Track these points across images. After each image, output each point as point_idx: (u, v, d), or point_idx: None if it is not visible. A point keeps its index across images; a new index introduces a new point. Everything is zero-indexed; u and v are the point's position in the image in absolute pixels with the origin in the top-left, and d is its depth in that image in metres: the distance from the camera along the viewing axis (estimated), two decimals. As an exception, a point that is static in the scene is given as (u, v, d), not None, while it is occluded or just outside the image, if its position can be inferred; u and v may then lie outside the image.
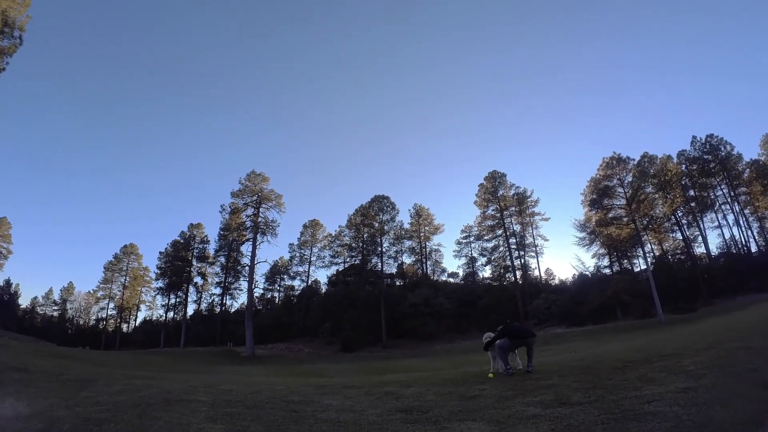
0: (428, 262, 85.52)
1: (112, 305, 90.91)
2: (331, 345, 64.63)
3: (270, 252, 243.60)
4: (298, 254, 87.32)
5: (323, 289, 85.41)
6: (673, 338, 15.34)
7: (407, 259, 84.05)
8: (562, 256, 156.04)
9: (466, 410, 6.27)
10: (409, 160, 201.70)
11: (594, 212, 58.42)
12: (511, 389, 7.70)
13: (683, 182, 68.90)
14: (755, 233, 70.33)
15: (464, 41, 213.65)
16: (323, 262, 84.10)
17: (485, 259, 78.85)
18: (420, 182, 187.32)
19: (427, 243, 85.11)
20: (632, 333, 34.40)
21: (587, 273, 69.67)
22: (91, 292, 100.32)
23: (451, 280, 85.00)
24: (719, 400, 4.92)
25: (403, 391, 8.58)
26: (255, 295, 75.42)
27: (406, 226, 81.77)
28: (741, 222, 69.58)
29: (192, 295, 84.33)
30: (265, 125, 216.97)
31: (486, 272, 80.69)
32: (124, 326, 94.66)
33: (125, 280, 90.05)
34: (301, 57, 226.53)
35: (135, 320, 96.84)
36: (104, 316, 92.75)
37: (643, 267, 59.24)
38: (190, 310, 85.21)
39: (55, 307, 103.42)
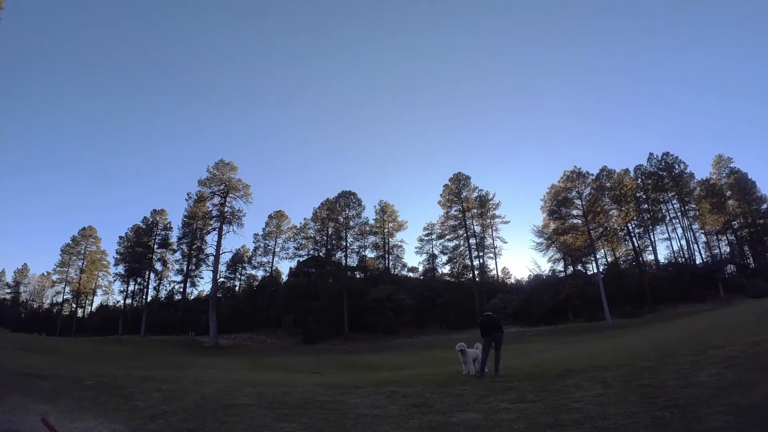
0: (390, 257, 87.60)
1: (68, 289, 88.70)
2: (294, 336, 65.71)
3: (233, 241, 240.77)
4: (262, 244, 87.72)
5: (285, 278, 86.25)
6: (608, 350, 17.67)
7: (370, 254, 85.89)
8: (521, 255, 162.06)
9: (459, 405, 8.01)
10: (376, 155, 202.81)
11: (552, 220, 62.04)
12: (484, 390, 9.48)
13: (638, 195, 73.73)
14: (701, 247, 76.93)
15: (435, 39, 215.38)
16: (287, 253, 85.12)
17: (446, 257, 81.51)
18: (386, 177, 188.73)
19: (390, 239, 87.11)
20: (580, 336, 37.21)
21: (542, 275, 73.51)
22: (45, 274, 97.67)
23: (411, 275, 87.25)
24: (615, 403, 6.85)
25: (405, 390, 10.08)
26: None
27: (371, 221, 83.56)
28: (688, 236, 75.60)
29: (152, 282, 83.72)
30: (231, 113, 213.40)
31: (446, 269, 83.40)
32: (80, 311, 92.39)
33: (83, 263, 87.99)
34: (269, 46, 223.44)
35: (91, 305, 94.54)
36: (59, 300, 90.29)
37: (596, 272, 63.15)
38: (150, 297, 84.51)
39: (8, 290, 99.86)
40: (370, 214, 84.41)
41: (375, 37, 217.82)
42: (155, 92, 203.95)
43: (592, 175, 62.59)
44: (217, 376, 15.92)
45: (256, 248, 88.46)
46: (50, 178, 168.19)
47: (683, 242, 76.43)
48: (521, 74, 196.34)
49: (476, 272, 76.62)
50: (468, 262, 77.17)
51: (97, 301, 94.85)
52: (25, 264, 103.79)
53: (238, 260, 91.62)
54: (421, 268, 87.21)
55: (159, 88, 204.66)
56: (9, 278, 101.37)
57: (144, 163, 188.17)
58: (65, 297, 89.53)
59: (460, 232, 78.65)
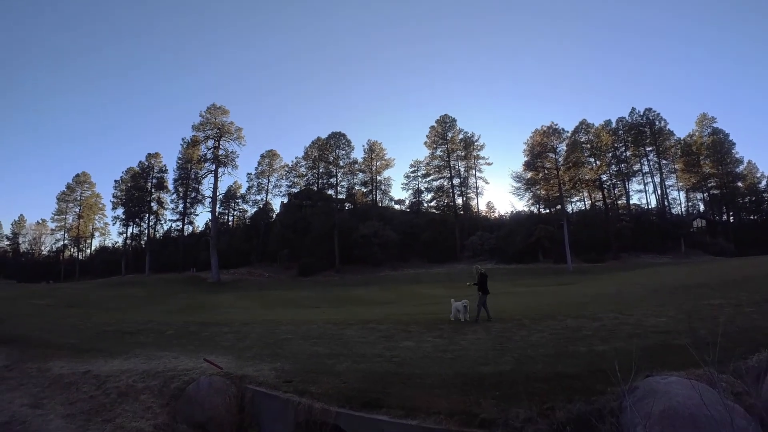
0: (378, 192, 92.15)
1: (66, 236, 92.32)
2: (289, 270, 70.95)
3: (228, 180, 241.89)
4: (255, 183, 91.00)
5: (276, 211, 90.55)
6: (560, 298, 22.10)
7: (359, 188, 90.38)
8: (507, 187, 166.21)
9: (406, 336, 12.67)
10: (366, 92, 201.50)
11: (528, 171, 66.81)
12: (425, 329, 13.67)
13: (616, 146, 77.48)
14: (672, 202, 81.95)
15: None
16: (280, 191, 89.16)
17: (431, 195, 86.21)
18: (376, 114, 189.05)
19: (377, 176, 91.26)
20: (541, 279, 42.91)
21: (522, 213, 78.96)
22: (41, 222, 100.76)
23: (398, 207, 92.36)
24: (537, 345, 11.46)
25: (379, 327, 14.39)
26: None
27: (360, 159, 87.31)
28: (661, 191, 79.94)
29: (150, 222, 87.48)
30: (221, 52, 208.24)
31: (431, 204, 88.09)
32: (80, 254, 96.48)
33: (79, 209, 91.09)
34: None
35: (90, 248, 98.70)
36: (59, 246, 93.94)
37: (570, 216, 68.50)
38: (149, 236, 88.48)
39: (7, 242, 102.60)
40: (359, 153, 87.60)
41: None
42: (145, 34, 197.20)
43: (567, 132, 67.14)
44: (250, 316, 20.84)
45: (249, 187, 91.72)
46: (40, 126, 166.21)
47: (654, 197, 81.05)
48: (513, 15, 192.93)
49: (459, 210, 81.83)
50: (451, 201, 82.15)
51: (96, 243, 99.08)
52: (21, 215, 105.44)
53: (231, 196, 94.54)
54: (407, 202, 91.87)
55: (149, 29, 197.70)
56: (7, 230, 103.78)
57: (135, 105, 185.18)
58: (64, 243, 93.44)
59: (445, 172, 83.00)
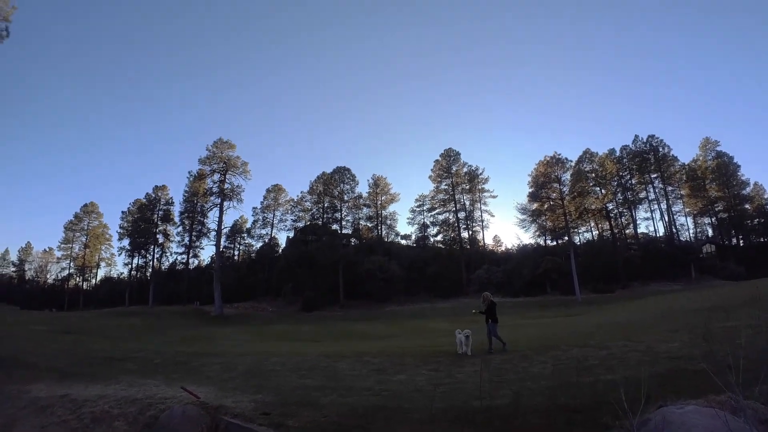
0: (383, 227, 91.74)
1: (72, 264, 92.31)
2: (293, 304, 69.94)
3: (233, 214, 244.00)
4: (261, 217, 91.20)
5: (282, 246, 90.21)
6: (567, 329, 21.37)
7: (364, 223, 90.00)
8: (512, 219, 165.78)
9: (400, 370, 11.85)
10: (370, 127, 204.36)
11: (533, 202, 66.44)
12: (421, 361, 12.95)
13: (621, 174, 77.42)
14: (680, 228, 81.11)
15: (425, 11, 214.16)
16: (285, 225, 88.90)
17: (436, 229, 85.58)
18: (380, 149, 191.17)
19: (382, 211, 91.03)
20: (550, 311, 41.80)
21: (529, 246, 78.26)
22: (48, 250, 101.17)
23: (404, 242, 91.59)
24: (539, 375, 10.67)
25: (373, 360, 13.63)
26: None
27: (365, 194, 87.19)
28: (668, 218, 79.34)
29: (155, 254, 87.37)
30: (229, 84, 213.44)
31: (438, 237, 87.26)
32: (85, 284, 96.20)
33: (86, 239, 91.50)
34: (263, 20, 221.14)
35: (95, 278, 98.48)
36: (65, 275, 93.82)
37: (577, 246, 67.65)
38: (154, 268, 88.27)
39: (13, 269, 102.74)
40: (363, 188, 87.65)
41: (367, 9, 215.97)
42: (156, 67, 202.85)
43: (571, 161, 66.89)
44: (244, 348, 20.12)
45: (255, 221, 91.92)
46: (50, 154, 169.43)
47: (662, 223, 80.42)
48: (516, 47, 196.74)
49: (464, 244, 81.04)
50: (457, 234, 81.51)
51: (101, 273, 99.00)
52: (28, 242, 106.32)
53: (237, 230, 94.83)
54: (413, 237, 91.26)
55: (161, 63, 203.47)
56: (13, 257, 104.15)
57: (144, 137, 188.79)
58: (70, 272, 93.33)
59: (450, 206, 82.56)
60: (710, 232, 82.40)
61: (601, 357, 10.70)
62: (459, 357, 12.95)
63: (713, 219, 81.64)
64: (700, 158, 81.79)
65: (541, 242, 77.92)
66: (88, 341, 23.85)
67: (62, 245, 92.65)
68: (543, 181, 63.52)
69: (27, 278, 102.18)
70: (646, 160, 78.65)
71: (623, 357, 10.32)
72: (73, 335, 29.35)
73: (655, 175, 79.12)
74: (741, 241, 78.81)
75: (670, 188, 79.14)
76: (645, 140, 79.75)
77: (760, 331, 11.22)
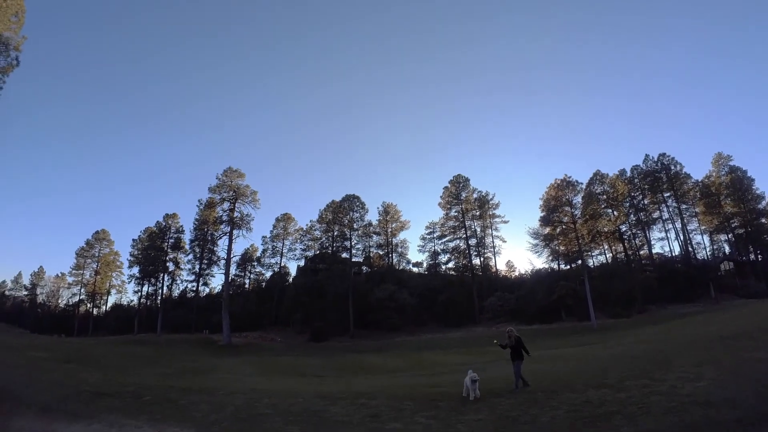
0: (394, 255, 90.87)
1: (83, 291, 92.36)
2: (302, 334, 68.86)
3: (243, 243, 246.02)
4: (270, 246, 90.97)
5: (292, 275, 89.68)
6: (581, 362, 19.99)
7: (374, 251, 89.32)
8: (524, 244, 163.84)
9: (398, 417, 10.82)
10: (380, 155, 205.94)
11: (544, 227, 65.24)
12: (418, 406, 11.86)
13: (633, 194, 76.18)
14: (696, 247, 79.26)
15: (435, 38, 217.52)
16: (295, 254, 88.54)
17: (447, 256, 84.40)
18: (390, 176, 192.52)
19: (393, 239, 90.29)
20: (565, 339, 40.25)
21: (542, 270, 76.62)
22: (60, 275, 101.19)
23: (415, 269, 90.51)
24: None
25: (370, 402, 12.64)
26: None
27: (375, 222, 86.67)
28: (684, 237, 77.58)
29: (165, 281, 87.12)
30: (236, 116, 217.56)
31: (450, 264, 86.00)
32: (95, 310, 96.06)
33: (97, 266, 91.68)
34: (279, 47, 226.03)
35: (106, 305, 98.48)
36: (75, 301, 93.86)
37: (591, 269, 65.99)
38: (164, 295, 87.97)
39: (25, 292, 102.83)
40: (373, 215, 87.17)
41: (379, 38, 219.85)
42: (164, 96, 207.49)
43: (582, 184, 65.98)
44: (240, 385, 19.13)
45: (264, 250, 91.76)
46: (62, 182, 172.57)
47: (677, 243, 78.81)
48: (523, 71, 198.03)
49: (476, 271, 79.64)
50: (468, 261, 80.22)
51: (111, 300, 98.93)
52: (41, 266, 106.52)
53: (247, 259, 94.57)
54: (425, 264, 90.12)
55: (170, 92, 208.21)
56: (26, 280, 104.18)
57: (152, 165, 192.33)
58: (81, 297, 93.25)
59: (460, 233, 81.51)
60: (727, 249, 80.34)
61: (620, 401, 9.63)
62: (462, 401, 11.80)
63: (730, 235, 79.49)
64: (713, 174, 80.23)
65: (555, 266, 76.28)
66: (83, 372, 23.05)
67: (74, 271, 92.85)
68: (554, 205, 62.31)
69: (38, 302, 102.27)
70: (658, 179, 77.44)
71: (644, 402, 9.22)
72: (71, 364, 28.57)
73: (668, 194, 77.73)
74: (759, 257, 76.41)
75: (684, 206, 77.53)
76: (656, 159, 78.69)
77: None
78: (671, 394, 9.57)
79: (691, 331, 24.46)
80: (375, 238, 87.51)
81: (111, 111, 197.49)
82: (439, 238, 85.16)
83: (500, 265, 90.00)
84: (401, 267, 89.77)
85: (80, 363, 29.14)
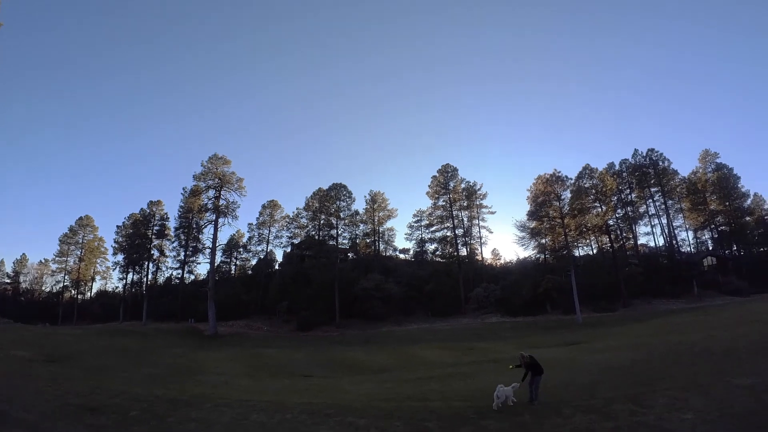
0: (380, 242, 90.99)
1: (67, 278, 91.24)
2: (288, 323, 68.62)
3: (229, 230, 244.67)
4: (256, 233, 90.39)
5: (278, 261, 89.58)
6: (566, 369, 19.72)
7: (361, 238, 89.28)
8: (510, 234, 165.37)
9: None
10: (368, 143, 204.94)
11: (532, 221, 65.54)
12: (417, 424, 12.34)
13: (620, 188, 76.94)
14: (680, 243, 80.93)
15: (423, 27, 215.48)
16: (281, 241, 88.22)
17: (434, 245, 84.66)
18: (378, 163, 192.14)
19: (380, 227, 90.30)
20: (551, 335, 40.72)
21: (528, 259, 77.51)
22: (43, 261, 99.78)
23: (402, 256, 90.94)
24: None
25: (359, 422, 12.51)
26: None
27: (362, 210, 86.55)
28: (669, 232, 79.09)
29: (150, 268, 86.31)
30: (225, 99, 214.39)
31: (436, 254, 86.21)
32: (79, 297, 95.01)
33: (81, 252, 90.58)
34: (266, 33, 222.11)
35: (90, 291, 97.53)
36: (59, 288, 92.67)
37: (577, 262, 66.71)
38: (148, 282, 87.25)
39: (8, 280, 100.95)
40: (360, 204, 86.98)
41: (366, 25, 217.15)
42: (151, 82, 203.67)
43: (571, 179, 66.55)
44: (227, 392, 19.00)
45: (250, 237, 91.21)
46: (45, 168, 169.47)
47: (663, 238, 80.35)
48: (512, 61, 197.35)
49: (463, 260, 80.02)
50: (455, 251, 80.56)
51: (96, 287, 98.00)
52: (23, 254, 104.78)
53: (233, 245, 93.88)
54: (411, 251, 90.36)
55: (154, 79, 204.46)
56: (8, 268, 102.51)
57: (137, 152, 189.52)
58: (65, 285, 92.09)
59: (447, 222, 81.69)
60: (710, 246, 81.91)
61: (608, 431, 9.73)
62: (451, 423, 11.69)
63: (713, 232, 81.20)
64: (700, 171, 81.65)
65: (541, 258, 76.88)
66: (68, 377, 22.72)
67: (57, 258, 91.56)
68: (543, 200, 62.52)
69: (22, 290, 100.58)
70: (646, 174, 78.44)
71: (631, 435, 9.34)
72: (57, 364, 28.23)
73: (655, 189, 78.89)
74: (741, 253, 78.11)
75: (670, 202, 78.85)
76: (644, 154, 79.57)
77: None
78: (657, 426, 9.66)
79: (677, 338, 24.70)
80: (362, 226, 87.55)
81: (96, 97, 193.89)
82: (427, 226, 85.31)
83: (486, 254, 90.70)
84: (388, 254, 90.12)
85: (64, 363, 28.79)
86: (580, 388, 15.04)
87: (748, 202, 78.59)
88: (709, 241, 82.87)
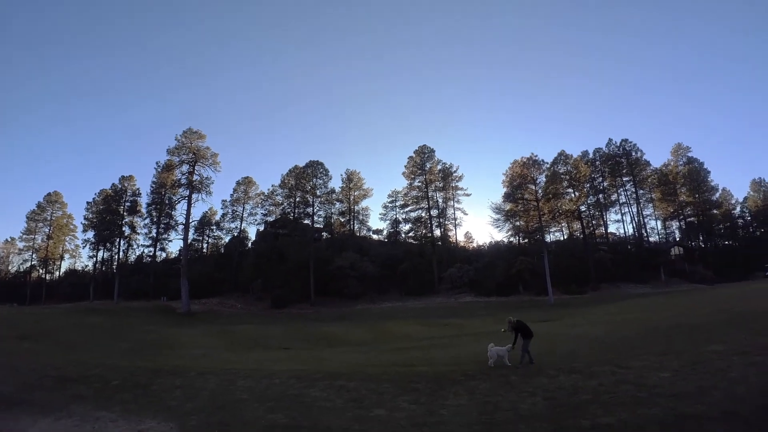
0: (356, 222, 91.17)
1: (35, 256, 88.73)
2: (262, 301, 68.50)
3: (202, 206, 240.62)
4: (230, 210, 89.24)
5: (251, 239, 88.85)
6: (544, 341, 19.91)
7: (336, 217, 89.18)
8: (485, 217, 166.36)
9: (379, 402, 11.05)
10: (345, 120, 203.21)
11: (507, 203, 66.60)
12: (398, 388, 11.87)
13: (593, 176, 78.84)
14: (650, 231, 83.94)
15: (401, 4, 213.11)
16: (255, 219, 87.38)
17: (408, 226, 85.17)
18: (354, 141, 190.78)
19: (355, 206, 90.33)
20: (524, 313, 41.41)
21: (501, 243, 78.84)
22: (10, 240, 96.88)
23: (376, 236, 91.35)
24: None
25: (349, 384, 12.55)
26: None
27: (338, 189, 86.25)
28: (639, 220, 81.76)
29: (121, 247, 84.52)
30: (199, 76, 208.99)
31: (410, 235, 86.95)
32: (48, 276, 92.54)
33: (49, 230, 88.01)
34: (242, 11, 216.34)
35: (59, 271, 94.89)
36: (26, 268, 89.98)
37: (549, 246, 68.21)
38: (120, 261, 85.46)
39: None
40: (336, 182, 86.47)
41: (345, 4, 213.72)
42: (126, 54, 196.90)
43: (547, 163, 67.66)
44: (209, 362, 18.92)
45: (224, 214, 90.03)
46: (10, 141, 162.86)
47: (632, 226, 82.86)
48: (492, 48, 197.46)
49: (437, 241, 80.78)
50: (429, 232, 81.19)
51: (65, 265, 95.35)
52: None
53: (205, 223, 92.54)
54: (385, 232, 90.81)
55: (131, 50, 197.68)
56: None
57: (112, 126, 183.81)
58: (32, 263, 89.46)
59: (423, 203, 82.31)
60: (678, 236, 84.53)
61: (592, 389, 10.08)
62: (439, 385, 11.88)
63: (682, 223, 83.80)
64: (672, 163, 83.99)
65: (514, 241, 78.20)
66: (42, 352, 22.33)
67: (24, 236, 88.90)
68: (519, 183, 63.61)
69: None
70: (619, 164, 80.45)
71: (615, 391, 9.68)
72: (29, 341, 27.68)
73: (627, 178, 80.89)
74: (708, 245, 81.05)
75: (641, 191, 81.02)
76: (618, 144, 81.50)
77: (752, 361, 10.93)
78: (639, 383, 10.07)
79: (646, 315, 25.75)
80: (337, 205, 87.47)
81: (68, 72, 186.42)
82: (402, 207, 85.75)
83: (460, 236, 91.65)
84: (362, 234, 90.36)
85: (37, 340, 28.28)
86: (561, 355, 15.65)
87: (717, 195, 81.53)
88: (677, 231, 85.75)
